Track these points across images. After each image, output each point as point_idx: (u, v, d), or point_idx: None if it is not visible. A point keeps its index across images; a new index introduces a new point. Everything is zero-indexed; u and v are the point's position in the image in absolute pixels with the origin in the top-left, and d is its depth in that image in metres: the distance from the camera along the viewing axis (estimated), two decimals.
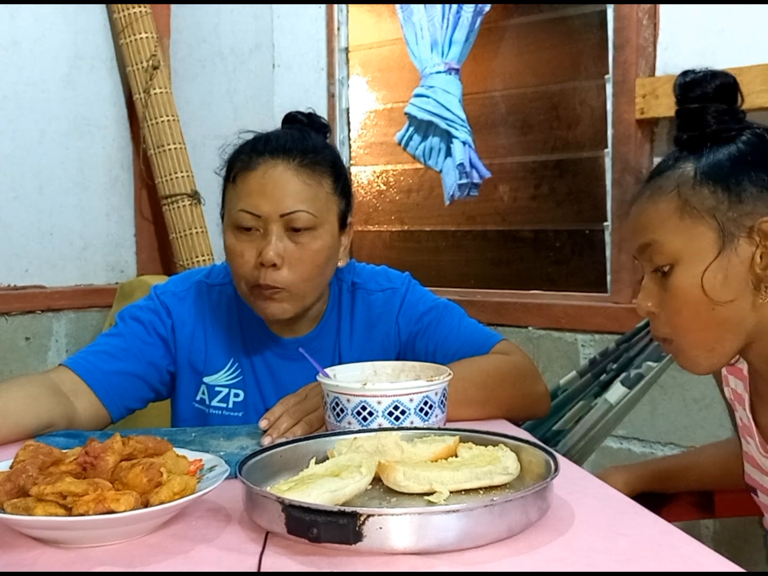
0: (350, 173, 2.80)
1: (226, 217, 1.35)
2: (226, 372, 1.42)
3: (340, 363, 1.41)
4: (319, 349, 1.41)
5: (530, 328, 2.50)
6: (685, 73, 1.06)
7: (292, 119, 1.43)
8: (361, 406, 1.12)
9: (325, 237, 1.33)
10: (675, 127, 1.08)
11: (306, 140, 1.35)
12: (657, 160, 2.33)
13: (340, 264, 1.40)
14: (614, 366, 1.68)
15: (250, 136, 1.38)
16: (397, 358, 1.44)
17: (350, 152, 3.08)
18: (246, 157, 1.32)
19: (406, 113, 2.74)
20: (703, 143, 1.04)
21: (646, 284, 1.05)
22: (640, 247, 1.05)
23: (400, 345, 1.45)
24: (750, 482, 1.19)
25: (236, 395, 1.42)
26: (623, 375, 1.62)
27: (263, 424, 1.19)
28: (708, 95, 1.03)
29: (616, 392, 1.60)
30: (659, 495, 1.41)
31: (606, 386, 1.66)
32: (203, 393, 1.43)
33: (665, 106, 2.20)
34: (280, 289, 1.30)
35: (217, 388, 1.42)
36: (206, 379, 1.42)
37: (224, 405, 1.42)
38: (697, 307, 1.00)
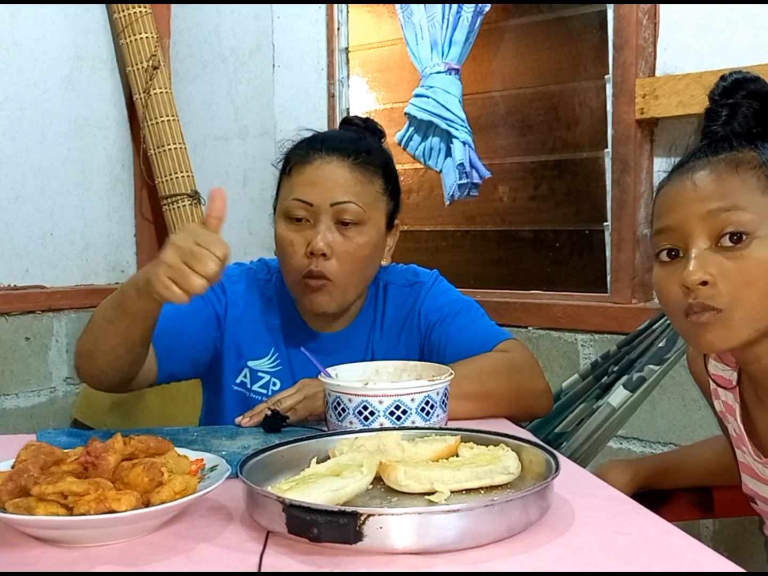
0: None
1: (278, 207, 1.41)
2: (268, 359, 1.45)
3: (372, 357, 1.45)
4: (353, 343, 1.46)
5: (530, 328, 2.50)
6: (738, 72, 1.07)
7: (348, 122, 1.52)
8: (362, 405, 1.12)
9: (371, 233, 1.38)
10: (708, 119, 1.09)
11: (360, 141, 1.42)
12: (657, 160, 2.34)
13: (384, 263, 1.45)
14: (615, 368, 1.68)
15: (308, 134, 1.45)
16: (421, 350, 1.46)
17: None
18: (302, 152, 1.39)
19: (406, 113, 2.74)
20: (759, 136, 1.05)
21: (702, 254, 1.00)
22: (714, 210, 1.00)
23: (421, 336, 1.47)
24: (747, 492, 1.20)
25: (274, 384, 1.45)
26: (625, 378, 1.62)
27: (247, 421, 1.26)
28: (753, 93, 1.05)
29: (619, 396, 1.60)
30: (658, 494, 1.41)
31: (607, 389, 1.66)
32: (245, 376, 1.46)
33: (665, 107, 2.20)
34: (326, 281, 1.35)
35: (259, 374, 1.45)
36: (250, 363, 1.45)
37: (265, 391, 1.45)
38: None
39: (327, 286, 1.35)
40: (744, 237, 0.99)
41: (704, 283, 0.99)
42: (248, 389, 1.45)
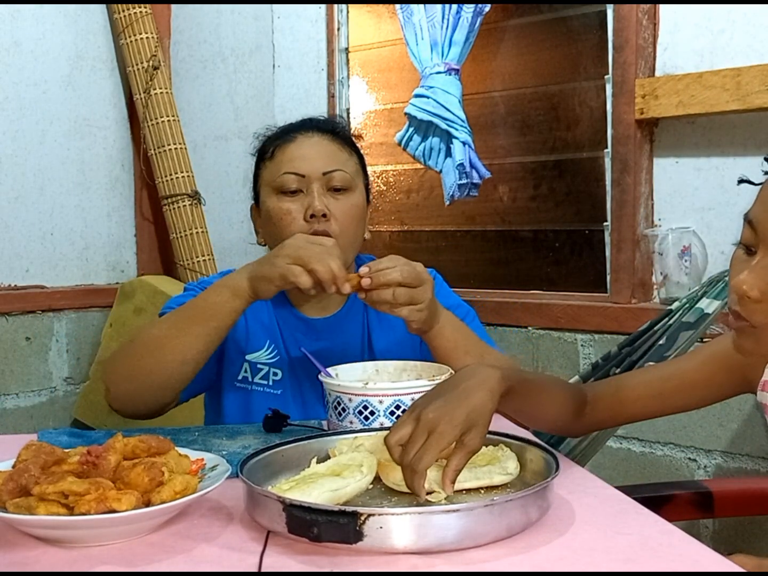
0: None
1: (265, 188, 1.45)
2: (265, 351, 1.46)
3: (369, 339, 1.46)
4: (348, 326, 1.46)
5: (530, 328, 2.50)
6: None
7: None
8: (362, 405, 1.12)
9: (359, 199, 1.45)
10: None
11: (335, 121, 1.53)
12: (657, 160, 2.34)
13: (367, 236, 1.50)
14: (617, 370, 1.67)
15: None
16: (420, 343, 1.43)
17: None
18: (282, 134, 1.47)
19: (406, 113, 2.74)
20: None
21: (761, 269, 0.96)
22: None
23: None
24: None
25: (275, 374, 1.45)
26: None
27: (363, 271, 1.22)
28: None
29: None
30: (658, 494, 1.41)
31: None
32: (245, 371, 1.46)
33: (665, 107, 2.20)
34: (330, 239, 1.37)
35: (258, 365, 1.46)
36: (248, 357, 1.46)
37: (265, 382, 1.46)
38: None
39: None
40: None
41: (748, 297, 0.96)
42: (250, 383, 1.45)
